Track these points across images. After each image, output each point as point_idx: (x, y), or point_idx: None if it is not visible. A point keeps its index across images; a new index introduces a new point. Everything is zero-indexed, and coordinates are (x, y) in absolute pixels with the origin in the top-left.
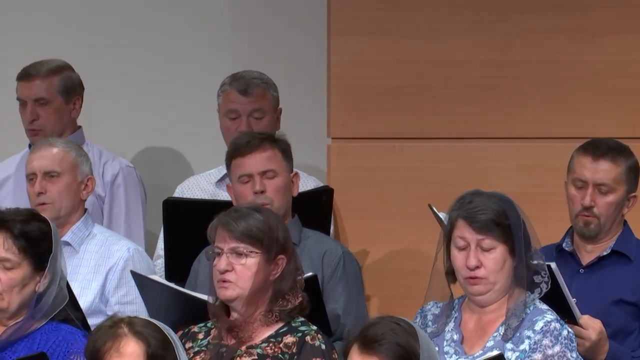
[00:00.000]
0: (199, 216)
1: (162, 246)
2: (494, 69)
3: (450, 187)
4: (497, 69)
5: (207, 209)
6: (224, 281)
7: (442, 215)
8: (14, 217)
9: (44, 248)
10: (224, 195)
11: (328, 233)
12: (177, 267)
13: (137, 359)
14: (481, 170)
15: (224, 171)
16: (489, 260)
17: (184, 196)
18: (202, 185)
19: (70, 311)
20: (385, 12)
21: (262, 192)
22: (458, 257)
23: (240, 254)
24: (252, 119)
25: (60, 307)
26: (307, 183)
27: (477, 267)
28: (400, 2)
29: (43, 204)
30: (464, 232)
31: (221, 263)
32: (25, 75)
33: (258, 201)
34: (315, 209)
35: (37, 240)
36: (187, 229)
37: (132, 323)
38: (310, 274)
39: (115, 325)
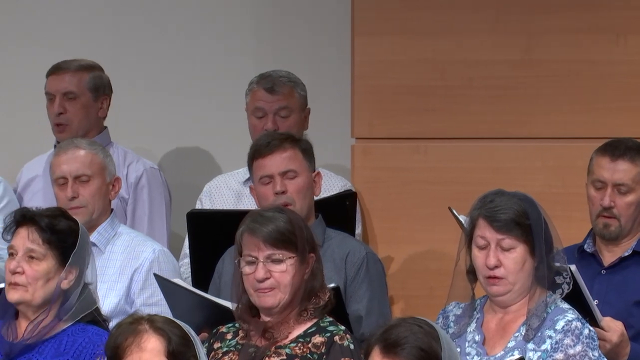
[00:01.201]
0: (223, 226)
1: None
2: (518, 69)
3: (474, 187)
4: (521, 69)
5: (231, 219)
6: (264, 289)
7: (462, 217)
8: (42, 213)
9: (69, 243)
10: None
11: (353, 236)
12: (204, 276)
13: (157, 355)
14: (505, 170)
15: None
16: (508, 260)
17: (212, 195)
18: (230, 184)
19: (97, 313)
20: (409, 12)
21: (283, 192)
22: (478, 257)
23: (277, 261)
24: (279, 117)
25: (88, 310)
26: (334, 183)
27: (497, 267)
28: (424, 3)
29: (77, 207)
30: (484, 232)
31: (259, 272)
32: (56, 69)
33: (279, 202)
34: (339, 213)
35: (63, 234)
36: (211, 240)
37: (152, 320)
38: (332, 285)
39: (136, 322)
